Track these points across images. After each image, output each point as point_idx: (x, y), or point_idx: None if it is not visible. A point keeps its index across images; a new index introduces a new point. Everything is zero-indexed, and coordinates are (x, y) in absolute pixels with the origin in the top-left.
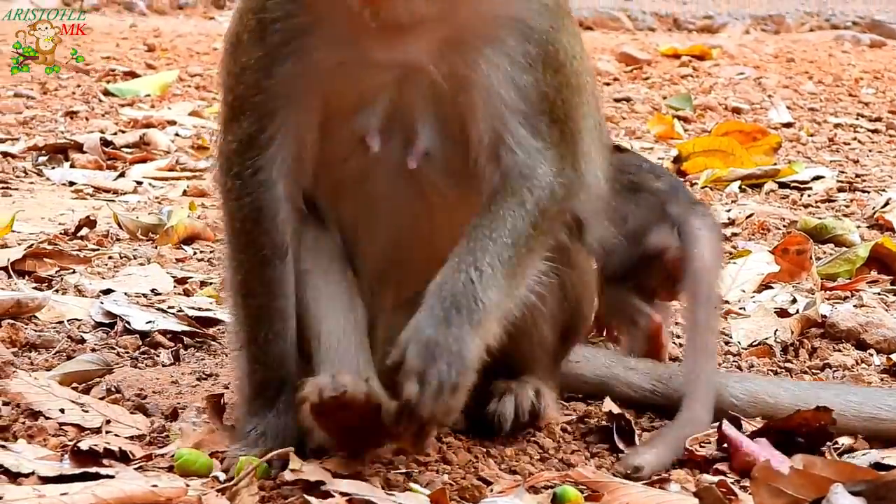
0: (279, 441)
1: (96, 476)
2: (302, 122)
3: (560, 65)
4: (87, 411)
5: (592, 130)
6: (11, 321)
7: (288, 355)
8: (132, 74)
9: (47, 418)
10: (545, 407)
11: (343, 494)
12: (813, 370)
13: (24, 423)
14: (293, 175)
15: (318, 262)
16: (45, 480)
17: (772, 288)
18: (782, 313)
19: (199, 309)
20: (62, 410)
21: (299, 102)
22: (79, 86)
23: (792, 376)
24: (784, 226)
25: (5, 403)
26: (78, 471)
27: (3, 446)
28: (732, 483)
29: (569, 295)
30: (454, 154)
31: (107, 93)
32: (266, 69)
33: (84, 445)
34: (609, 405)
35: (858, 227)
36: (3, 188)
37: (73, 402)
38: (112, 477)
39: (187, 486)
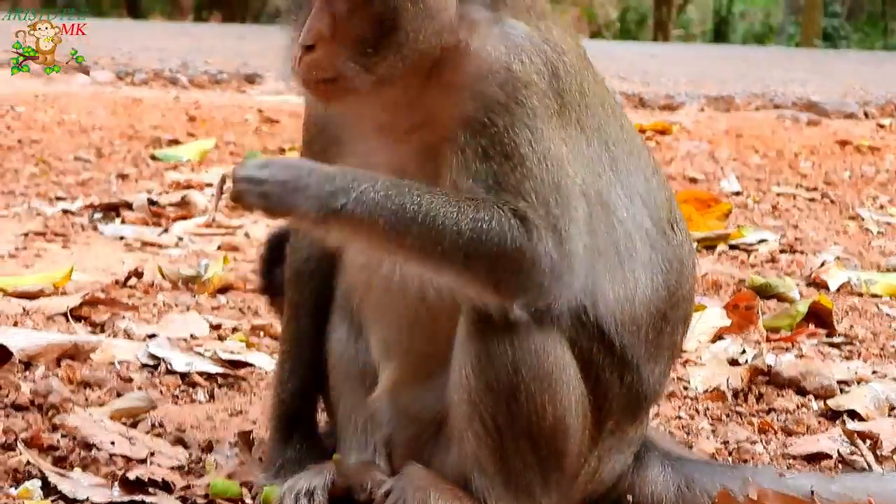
0: (296, 472)
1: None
2: None
3: (520, 157)
4: (134, 444)
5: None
6: (70, 362)
7: (302, 396)
8: (175, 142)
9: (99, 450)
10: None
11: None
12: (760, 413)
13: (79, 453)
14: (317, 261)
15: (340, 335)
16: None
17: (724, 339)
18: (733, 362)
19: (231, 352)
20: (112, 443)
21: None
22: (129, 151)
23: (742, 419)
24: (734, 283)
25: (63, 436)
26: (126, 498)
27: (61, 474)
28: None
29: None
30: None
31: (153, 158)
32: None
33: (132, 476)
34: None
35: (798, 285)
36: (63, 242)
37: (122, 435)
38: None
39: None
